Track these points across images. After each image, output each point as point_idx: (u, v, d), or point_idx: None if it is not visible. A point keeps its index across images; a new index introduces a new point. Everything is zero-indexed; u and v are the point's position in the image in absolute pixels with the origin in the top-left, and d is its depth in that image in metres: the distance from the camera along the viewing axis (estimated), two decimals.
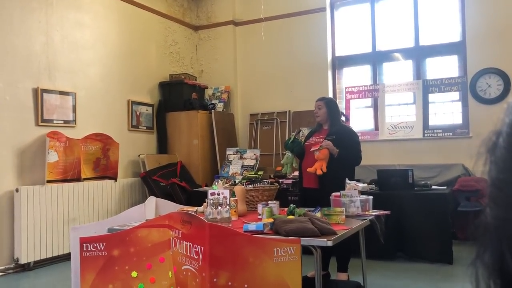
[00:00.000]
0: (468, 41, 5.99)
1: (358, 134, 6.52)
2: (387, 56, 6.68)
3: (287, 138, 4.82)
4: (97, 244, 2.24)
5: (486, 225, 0.43)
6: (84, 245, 2.24)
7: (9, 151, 4.72)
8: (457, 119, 6.13)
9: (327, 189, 3.55)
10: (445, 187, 5.25)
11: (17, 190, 4.67)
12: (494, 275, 0.42)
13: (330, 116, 4.05)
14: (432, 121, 6.23)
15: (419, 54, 6.45)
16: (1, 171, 4.64)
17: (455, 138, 6.01)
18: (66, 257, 4.81)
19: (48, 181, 4.94)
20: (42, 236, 4.83)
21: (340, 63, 6.97)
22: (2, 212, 4.63)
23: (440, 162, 5.90)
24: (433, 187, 5.09)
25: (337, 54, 6.94)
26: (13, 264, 4.66)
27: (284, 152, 6.82)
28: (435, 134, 6.13)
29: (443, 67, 6.36)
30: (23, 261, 4.66)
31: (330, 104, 4.12)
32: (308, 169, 3.74)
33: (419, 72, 6.44)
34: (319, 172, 3.67)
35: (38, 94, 4.98)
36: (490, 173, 0.43)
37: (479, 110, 5.89)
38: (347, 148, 3.85)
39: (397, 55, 6.66)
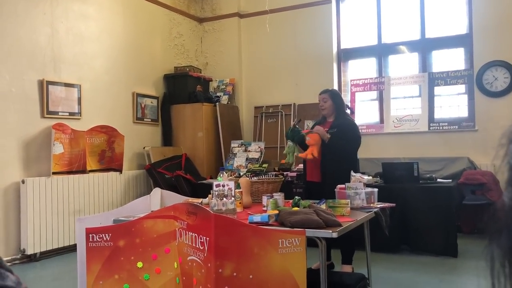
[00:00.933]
0: (474, 33, 5.95)
1: (363, 127, 6.53)
2: (392, 48, 6.64)
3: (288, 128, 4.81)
4: (103, 234, 2.25)
5: (504, 206, 0.44)
6: (90, 235, 2.25)
7: (15, 143, 4.74)
8: (463, 112, 6.10)
9: (329, 182, 3.54)
10: (450, 180, 5.23)
11: (23, 182, 4.69)
12: (510, 254, 0.43)
13: (336, 109, 4.00)
14: (438, 114, 6.20)
15: (425, 46, 6.41)
16: (8, 163, 4.66)
17: (460, 131, 5.98)
18: (72, 248, 4.84)
19: (54, 173, 4.97)
20: (48, 227, 4.86)
21: (345, 55, 6.93)
22: (9, 203, 4.66)
23: (446, 155, 5.88)
24: (438, 180, 5.08)
25: (342, 47, 6.90)
26: (20, 255, 4.70)
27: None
28: (441, 127, 6.10)
29: (449, 60, 6.32)
30: (29, 252, 4.70)
31: (335, 96, 4.07)
32: (299, 154, 3.75)
33: (425, 65, 6.40)
34: (309, 156, 3.65)
35: (44, 86, 4.99)
36: (510, 160, 0.44)
37: (485, 103, 5.85)
38: (349, 141, 3.83)
39: (403, 47, 6.62)
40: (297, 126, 4.05)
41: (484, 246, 0.45)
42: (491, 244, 0.44)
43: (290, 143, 4.00)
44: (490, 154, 5.75)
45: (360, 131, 4.12)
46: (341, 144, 3.81)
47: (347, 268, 3.68)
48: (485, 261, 0.44)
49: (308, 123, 6.67)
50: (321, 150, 3.76)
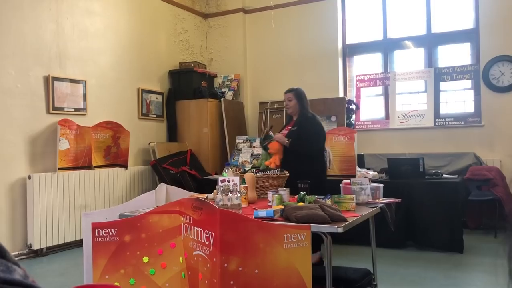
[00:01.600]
0: (481, 28, 5.90)
1: (368, 123, 6.51)
2: (398, 43, 6.61)
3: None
4: (109, 229, 2.26)
5: None
6: (96, 230, 2.26)
7: (21, 138, 4.76)
8: (469, 108, 6.07)
9: (292, 181, 3.54)
10: (456, 176, 5.21)
11: (29, 177, 4.72)
12: None
13: (300, 107, 4.01)
14: (444, 110, 6.17)
15: (431, 41, 6.37)
16: (14, 159, 4.69)
17: (467, 126, 5.95)
18: (78, 244, 4.87)
19: (60, 169, 4.99)
20: (54, 222, 4.89)
21: (350, 51, 6.91)
22: (15, 199, 4.69)
23: (452, 151, 5.86)
24: (444, 176, 5.06)
25: (347, 42, 6.88)
26: (26, 250, 4.73)
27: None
28: (447, 123, 6.08)
29: (455, 55, 6.28)
30: (36, 247, 4.73)
31: (300, 95, 4.06)
32: (265, 162, 3.78)
33: (430, 60, 6.36)
34: (273, 166, 3.67)
35: (49, 82, 5.01)
36: None
37: (491, 98, 5.82)
38: (309, 138, 3.82)
39: (409, 42, 6.59)
40: (270, 133, 4.04)
41: (504, 237, 0.45)
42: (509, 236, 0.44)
43: (262, 151, 4.03)
44: (496, 150, 5.72)
45: (322, 125, 4.11)
46: (301, 144, 3.82)
47: (314, 258, 3.65)
48: (504, 251, 0.44)
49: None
50: (285, 154, 3.82)
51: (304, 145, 3.88)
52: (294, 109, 4.03)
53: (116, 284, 2.20)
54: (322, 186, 3.56)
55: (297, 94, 4.06)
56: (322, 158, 4.06)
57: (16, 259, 0.48)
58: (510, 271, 0.44)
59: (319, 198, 2.71)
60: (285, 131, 4.05)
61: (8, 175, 4.63)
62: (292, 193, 3.03)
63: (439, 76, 6.17)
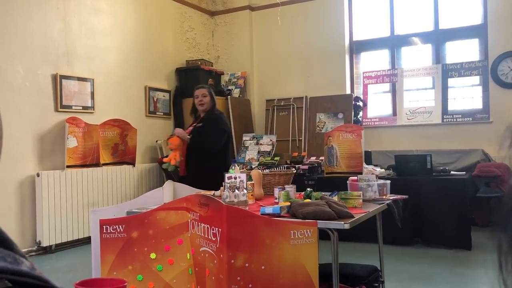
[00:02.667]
0: (489, 24, 5.86)
1: (375, 120, 6.48)
2: (405, 40, 6.58)
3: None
4: (117, 226, 2.28)
5: (510, 191, 0.44)
6: (104, 227, 2.28)
7: (29, 136, 4.80)
8: (477, 104, 6.03)
9: (193, 176, 3.58)
10: (464, 172, 5.18)
11: (38, 175, 4.76)
12: None
13: (213, 104, 4.00)
14: (452, 106, 6.14)
15: (438, 37, 6.33)
16: (23, 156, 4.73)
17: (475, 123, 5.91)
18: (86, 241, 4.91)
19: (68, 166, 5.03)
20: (62, 219, 4.93)
21: (357, 47, 6.88)
22: (24, 196, 4.73)
23: (460, 148, 5.82)
24: (452, 172, 5.03)
25: (354, 39, 6.85)
26: (36, 247, 4.78)
27: (300, 138, 6.81)
28: (455, 119, 6.04)
29: (463, 51, 6.24)
30: (45, 244, 4.77)
31: (212, 92, 4.05)
32: (164, 159, 3.78)
33: (438, 56, 6.33)
34: (173, 162, 3.64)
35: (57, 80, 5.04)
36: None
37: (500, 94, 5.78)
38: (210, 134, 3.80)
39: (416, 39, 6.55)
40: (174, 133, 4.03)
41: (492, 229, 0.46)
42: (499, 227, 0.44)
43: (171, 152, 3.99)
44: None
45: (228, 125, 4.10)
46: (203, 140, 3.81)
47: None
48: (493, 243, 0.44)
49: (321, 116, 6.66)
50: (188, 152, 3.81)
51: (205, 141, 3.84)
52: (208, 106, 3.98)
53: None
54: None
55: (210, 90, 4.04)
56: (225, 157, 4.00)
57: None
58: (500, 265, 0.45)
59: (326, 195, 2.71)
60: (191, 127, 4.00)
61: (17, 172, 4.67)
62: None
63: (447, 72, 6.13)
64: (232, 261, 1.90)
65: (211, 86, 4.13)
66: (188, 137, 3.81)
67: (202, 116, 4.02)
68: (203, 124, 3.91)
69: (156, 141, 6.32)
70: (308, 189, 2.80)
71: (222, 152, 3.98)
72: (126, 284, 0.62)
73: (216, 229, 1.95)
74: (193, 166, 3.80)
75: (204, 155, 3.83)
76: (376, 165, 5.33)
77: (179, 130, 3.90)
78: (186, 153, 3.85)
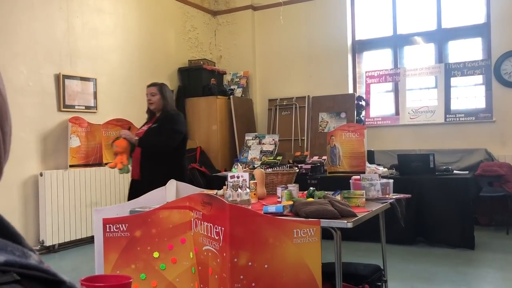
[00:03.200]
0: (492, 23, 5.84)
1: (378, 119, 6.47)
2: (408, 39, 6.57)
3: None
4: (120, 225, 2.28)
5: None
6: (107, 226, 2.28)
7: (33, 136, 4.82)
8: (480, 103, 6.01)
9: (147, 180, 3.45)
10: (467, 172, 5.17)
11: (41, 175, 4.77)
12: None
13: (164, 103, 3.77)
14: (454, 106, 6.13)
15: (441, 37, 6.32)
16: (26, 156, 4.74)
17: (478, 122, 5.90)
18: (89, 240, 4.92)
19: (71, 166, 5.04)
20: (66, 219, 4.95)
21: (360, 47, 6.88)
22: (28, 195, 4.74)
23: (462, 147, 5.81)
24: (455, 172, 5.02)
25: (357, 38, 6.85)
26: (39, 246, 4.79)
27: (302, 138, 6.80)
28: (457, 119, 6.03)
29: (466, 50, 6.23)
30: (48, 243, 4.78)
31: (163, 90, 3.81)
32: (109, 165, 3.58)
33: (441, 56, 6.31)
34: (119, 166, 3.47)
35: (60, 80, 5.05)
36: None
37: (503, 93, 5.76)
38: (164, 135, 3.63)
39: (419, 38, 6.54)
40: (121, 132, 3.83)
41: None
42: None
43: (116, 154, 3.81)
44: (508, 146, 5.67)
45: (185, 125, 3.88)
46: (152, 140, 3.65)
47: None
48: None
49: (323, 116, 6.65)
50: (141, 155, 3.65)
51: (156, 141, 3.65)
52: (157, 105, 3.77)
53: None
54: None
55: (161, 89, 3.81)
56: (180, 160, 3.82)
57: None
58: None
59: (329, 194, 2.71)
60: (145, 128, 3.84)
61: (21, 172, 4.68)
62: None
63: (449, 71, 6.12)
64: (235, 260, 1.90)
65: (164, 85, 3.89)
66: (136, 138, 3.62)
67: (158, 116, 3.83)
68: (157, 124, 3.73)
69: None
70: (311, 188, 2.80)
71: (176, 155, 3.76)
72: (131, 280, 0.62)
73: (219, 228, 1.96)
74: (147, 169, 3.62)
75: (158, 158, 3.64)
76: (378, 165, 5.32)
77: (125, 132, 3.70)
78: (140, 155, 3.67)
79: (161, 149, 3.68)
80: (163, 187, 3.08)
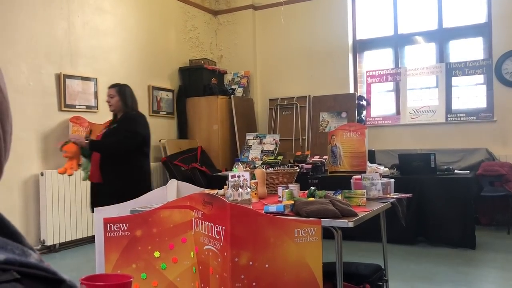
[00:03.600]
0: (493, 22, 5.84)
1: (379, 119, 6.47)
2: (409, 39, 6.56)
3: None
4: (121, 224, 2.28)
5: None
6: (108, 225, 2.28)
7: (33, 136, 4.82)
8: (481, 103, 6.01)
9: (108, 182, 3.39)
10: (468, 171, 5.17)
11: (42, 174, 4.77)
12: None
13: (124, 105, 3.65)
14: (456, 105, 6.12)
15: (442, 36, 6.31)
16: (27, 156, 4.74)
17: (479, 122, 5.89)
18: (90, 240, 4.91)
19: None
20: (66, 218, 4.95)
21: (361, 46, 6.87)
22: (29, 195, 4.75)
23: (464, 147, 5.81)
24: (456, 171, 5.02)
25: (358, 38, 6.84)
26: (40, 246, 4.79)
27: (303, 137, 6.80)
28: (459, 118, 6.02)
29: (467, 50, 6.22)
30: (49, 242, 4.78)
31: (122, 92, 3.71)
32: (58, 170, 3.43)
33: (442, 55, 6.31)
34: (69, 172, 3.36)
35: (61, 80, 5.05)
36: None
37: (504, 93, 5.76)
38: (119, 137, 3.53)
39: (420, 38, 6.53)
40: (89, 138, 3.73)
41: None
42: None
43: (83, 158, 3.73)
44: (509, 145, 5.66)
45: (146, 127, 3.74)
46: (106, 143, 3.56)
47: None
48: None
49: (324, 115, 6.65)
50: (100, 159, 3.55)
51: (108, 144, 3.56)
52: (116, 107, 3.67)
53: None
54: (141, 192, 3.11)
55: (120, 90, 3.72)
56: (142, 162, 3.69)
57: None
58: None
59: (329, 193, 2.71)
60: (105, 130, 3.75)
61: (21, 172, 4.69)
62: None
63: (450, 71, 6.12)
64: (236, 259, 1.90)
65: (123, 86, 3.79)
66: (86, 141, 3.51)
67: (119, 117, 3.74)
68: (116, 125, 3.65)
69: (160, 140, 6.33)
70: (312, 187, 2.79)
71: (137, 157, 3.65)
72: (131, 280, 0.62)
73: (220, 227, 1.95)
74: (107, 172, 3.52)
75: (118, 160, 3.55)
76: (379, 164, 5.32)
77: (74, 135, 3.58)
78: (100, 158, 3.57)
79: (116, 152, 3.57)
80: (164, 186, 3.08)
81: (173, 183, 3.10)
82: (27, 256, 0.43)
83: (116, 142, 3.57)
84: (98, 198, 3.52)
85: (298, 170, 3.43)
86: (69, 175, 3.45)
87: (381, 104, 6.70)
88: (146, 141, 3.74)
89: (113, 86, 3.78)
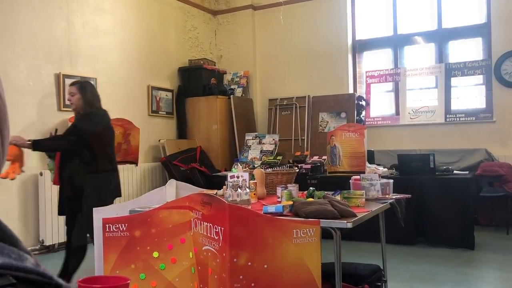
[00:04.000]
0: (493, 23, 5.84)
1: (378, 119, 6.47)
2: (408, 39, 6.56)
3: None
4: (119, 225, 2.28)
5: None
6: (107, 225, 2.28)
7: (33, 135, 4.79)
8: (481, 103, 6.01)
9: (66, 184, 3.35)
10: (467, 172, 5.17)
11: (41, 174, 4.77)
12: None
13: (85, 103, 3.51)
14: (455, 106, 6.12)
15: (441, 37, 6.31)
16: (26, 155, 4.72)
17: (478, 122, 5.89)
18: (89, 240, 4.91)
19: None
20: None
21: (360, 46, 6.87)
22: (28, 195, 4.74)
23: (463, 147, 5.81)
24: (455, 172, 5.02)
25: (357, 38, 6.84)
26: (39, 246, 4.79)
27: (302, 138, 6.80)
28: (458, 119, 6.02)
29: (467, 50, 6.22)
30: (48, 242, 4.78)
31: (83, 89, 3.56)
32: (1, 175, 3.12)
33: (441, 56, 6.31)
34: (11, 176, 3.20)
35: (60, 80, 5.05)
36: None
37: (503, 94, 5.76)
38: (72, 135, 3.41)
39: (419, 38, 6.53)
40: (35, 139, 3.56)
41: None
42: None
43: (48, 160, 3.64)
44: (508, 146, 5.66)
45: (102, 123, 3.59)
46: (50, 143, 3.47)
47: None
48: None
49: (323, 116, 6.65)
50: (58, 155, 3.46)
51: (52, 144, 3.46)
52: (77, 105, 3.53)
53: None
54: (103, 196, 3.03)
55: (81, 88, 3.55)
56: (100, 160, 3.52)
57: None
58: None
59: (328, 194, 2.71)
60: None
61: None
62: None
63: (450, 71, 6.12)
64: (235, 260, 1.90)
65: (85, 83, 3.67)
66: (28, 142, 3.35)
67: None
68: (72, 123, 3.58)
69: (159, 140, 6.33)
70: (311, 188, 2.79)
71: (96, 155, 3.49)
72: (128, 282, 0.62)
73: (219, 228, 1.95)
74: (66, 174, 3.42)
75: (74, 160, 3.43)
76: (379, 165, 5.32)
77: (15, 137, 3.34)
78: (59, 159, 3.47)
79: (59, 150, 3.47)
80: (163, 186, 3.08)
81: (172, 183, 3.10)
82: (23, 261, 0.43)
83: (58, 139, 3.48)
84: (61, 203, 3.48)
85: (297, 170, 3.43)
86: (11, 179, 3.23)
87: (380, 104, 6.70)
88: (103, 137, 3.55)
89: (73, 83, 3.62)
